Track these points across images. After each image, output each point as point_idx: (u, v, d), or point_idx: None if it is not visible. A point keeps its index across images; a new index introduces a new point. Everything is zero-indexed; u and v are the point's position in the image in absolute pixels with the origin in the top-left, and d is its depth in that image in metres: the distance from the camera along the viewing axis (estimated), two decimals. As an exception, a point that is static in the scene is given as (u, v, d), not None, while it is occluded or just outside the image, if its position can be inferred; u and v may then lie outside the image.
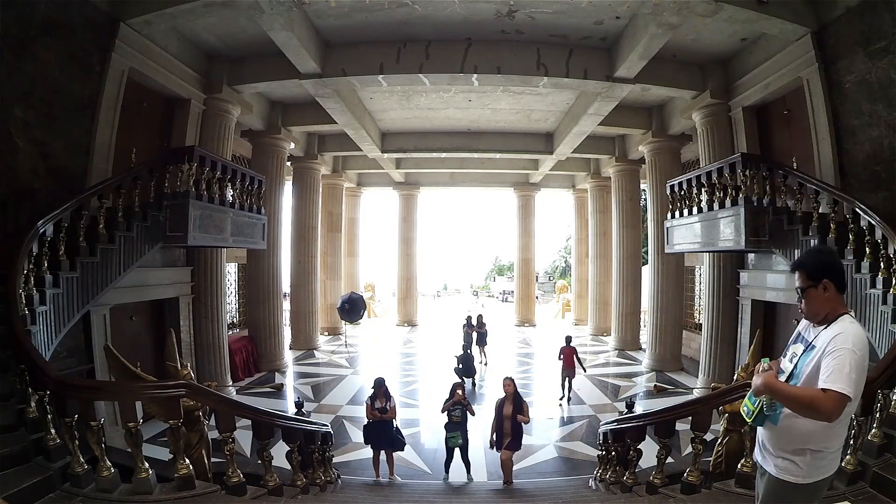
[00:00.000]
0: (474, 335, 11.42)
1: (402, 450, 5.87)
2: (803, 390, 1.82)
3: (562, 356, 8.60)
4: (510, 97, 9.91)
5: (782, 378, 1.98)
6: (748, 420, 2.04)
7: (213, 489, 3.24)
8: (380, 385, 5.71)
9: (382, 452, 5.70)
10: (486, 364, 11.27)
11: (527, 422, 5.50)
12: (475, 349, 10.90)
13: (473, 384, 9.31)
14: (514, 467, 5.51)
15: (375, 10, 6.57)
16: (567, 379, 8.55)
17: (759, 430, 2.08)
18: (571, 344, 8.75)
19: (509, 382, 5.50)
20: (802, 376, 1.90)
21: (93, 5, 5.72)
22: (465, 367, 9.10)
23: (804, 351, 1.97)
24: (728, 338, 8.01)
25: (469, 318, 11.76)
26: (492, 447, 5.51)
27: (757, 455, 2.13)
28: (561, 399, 8.52)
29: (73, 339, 5.21)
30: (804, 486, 1.91)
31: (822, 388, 1.76)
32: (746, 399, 2.05)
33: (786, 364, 2.04)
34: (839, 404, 1.73)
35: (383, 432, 5.61)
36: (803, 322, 2.12)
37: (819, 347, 1.89)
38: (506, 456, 5.31)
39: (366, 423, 5.71)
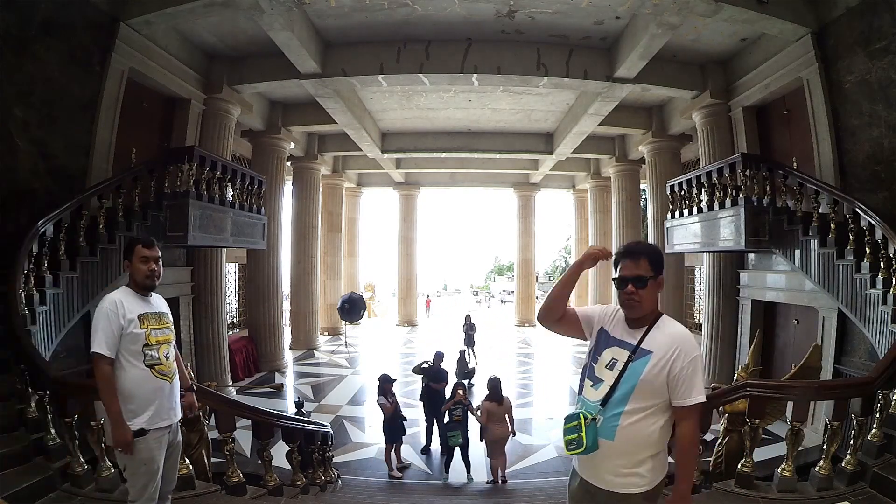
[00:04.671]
0: (464, 336, 11.53)
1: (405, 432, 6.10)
2: (686, 454, 1.74)
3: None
4: (510, 97, 9.90)
5: (600, 388, 1.77)
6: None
7: (213, 489, 3.24)
8: (386, 381, 5.88)
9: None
10: (475, 364, 11.30)
11: (514, 435, 5.65)
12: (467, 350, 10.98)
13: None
14: (515, 466, 5.55)
15: (375, 10, 6.57)
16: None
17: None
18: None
19: (495, 383, 5.55)
20: (638, 385, 1.71)
21: (93, 5, 5.71)
22: (459, 368, 9.12)
23: (633, 356, 1.75)
24: (728, 338, 8.00)
25: (468, 317, 11.83)
26: (481, 440, 5.60)
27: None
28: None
29: (73, 339, 5.20)
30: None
31: (683, 406, 1.69)
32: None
33: (602, 372, 1.80)
34: (700, 415, 1.79)
35: (398, 425, 5.80)
36: (607, 322, 1.89)
37: (660, 353, 1.72)
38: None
39: (383, 421, 5.83)
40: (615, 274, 1.83)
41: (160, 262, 2.48)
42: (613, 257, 1.87)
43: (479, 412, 5.48)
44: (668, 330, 1.77)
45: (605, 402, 1.75)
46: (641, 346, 1.76)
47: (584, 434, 1.73)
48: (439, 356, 6.76)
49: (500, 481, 5.41)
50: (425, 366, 6.57)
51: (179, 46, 7.28)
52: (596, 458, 1.76)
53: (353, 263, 18.10)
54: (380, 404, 5.81)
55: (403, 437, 6.02)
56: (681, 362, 1.69)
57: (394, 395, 5.91)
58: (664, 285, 1.89)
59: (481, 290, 36.51)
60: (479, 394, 8.63)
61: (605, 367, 1.79)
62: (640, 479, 1.72)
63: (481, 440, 5.59)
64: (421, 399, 6.56)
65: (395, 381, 6.03)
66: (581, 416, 1.76)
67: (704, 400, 1.73)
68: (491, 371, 7.12)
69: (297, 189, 12.77)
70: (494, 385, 5.50)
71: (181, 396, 2.54)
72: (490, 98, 10.00)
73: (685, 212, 7.66)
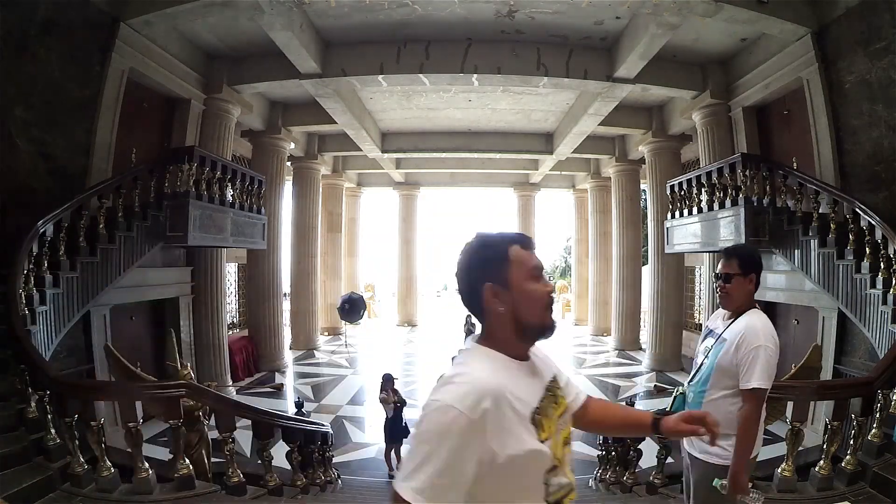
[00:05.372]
0: (464, 336, 11.52)
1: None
2: (740, 435, 1.90)
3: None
4: (510, 97, 9.90)
5: (694, 372, 2.13)
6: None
7: (213, 489, 3.24)
8: (388, 379, 5.91)
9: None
10: None
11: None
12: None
13: None
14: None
15: (375, 10, 6.56)
16: None
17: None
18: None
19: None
20: (714, 368, 2.01)
21: (93, 5, 5.71)
22: None
23: (714, 344, 2.07)
24: (728, 338, 8.00)
25: (468, 317, 11.84)
26: None
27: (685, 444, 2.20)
28: None
29: (73, 339, 5.20)
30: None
31: (742, 389, 1.90)
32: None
33: (699, 360, 2.14)
34: (760, 400, 1.90)
35: (399, 424, 5.81)
36: (713, 319, 2.22)
37: (730, 340, 1.98)
38: None
39: (385, 421, 5.85)
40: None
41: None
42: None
43: None
44: (744, 321, 1.99)
45: (691, 380, 2.12)
46: (723, 334, 2.04)
47: (671, 403, 2.13)
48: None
49: None
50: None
51: (179, 46, 7.28)
52: None
53: (353, 263, 18.08)
54: (381, 399, 5.84)
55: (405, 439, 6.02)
56: (743, 349, 1.91)
57: (397, 392, 5.92)
58: (754, 283, 2.07)
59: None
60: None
61: (702, 355, 2.12)
62: (721, 451, 1.91)
63: None
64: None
65: (397, 379, 6.03)
66: (676, 389, 2.18)
67: (760, 387, 1.86)
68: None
69: (297, 189, 12.77)
70: None
71: None
72: (490, 98, 9.99)
73: (685, 212, 7.66)
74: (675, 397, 2.16)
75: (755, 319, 1.98)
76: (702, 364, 2.07)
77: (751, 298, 2.06)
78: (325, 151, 13.07)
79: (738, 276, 2.02)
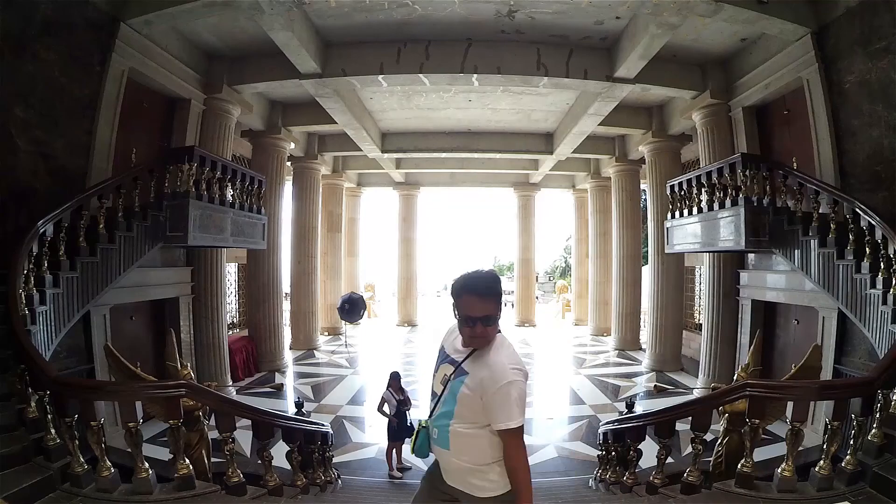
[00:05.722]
0: None
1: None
2: (516, 479, 1.75)
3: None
4: (510, 97, 9.90)
5: (434, 404, 1.92)
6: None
7: (213, 489, 3.24)
8: (395, 378, 5.91)
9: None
10: None
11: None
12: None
13: None
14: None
15: (375, 10, 6.56)
16: None
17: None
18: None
19: None
20: (456, 403, 1.80)
21: (93, 5, 5.71)
22: None
23: (454, 374, 1.84)
24: (728, 338, 8.01)
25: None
26: None
27: None
28: None
29: (73, 339, 5.21)
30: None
31: (497, 430, 1.72)
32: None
33: (437, 386, 1.93)
34: (521, 438, 1.75)
35: (404, 423, 5.81)
36: (447, 336, 2.01)
37: (471, 375, 1.79)
38: None
39: (388, 420, 5.82)
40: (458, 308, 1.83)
41: None
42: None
43: None
44: (487, 356, 1.81)
45: (431, 413, 1.93)
46: (462, 364, 1.84)
47: (413, 440, 1.96)
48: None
49: None
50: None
51: (179, 46, 7.28)
52: (444, 464, 1.92)
53: (353, 263, 18.08)
54: (384, 398, 5.84)
55: (407, 439, 6.02)
56: (490, 389, 1.73)
57: (403, 391, 5.93)
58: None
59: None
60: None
61: (440, 382, 1.92)
62: (491, 483, 1.80)
63: None
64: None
65: (399, 379, 6.01)
66: (419, 423, 1.99)
67: (518, 426, 1.72)
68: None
69: (297, 189, 12.77)
70: None
71: None
72: (490, 98, 9.99)
73: (685, 212, 7.66)
74: (417, 432, 1.96)
75: (497, 354, 1.80)
76: (441, 396, 1.87)
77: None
78: (325, 151, 13.07)
79: (495, 317, 1.81)
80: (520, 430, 1.74)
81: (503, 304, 1.87)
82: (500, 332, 1.87)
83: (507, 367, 1.75)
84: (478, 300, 1.77)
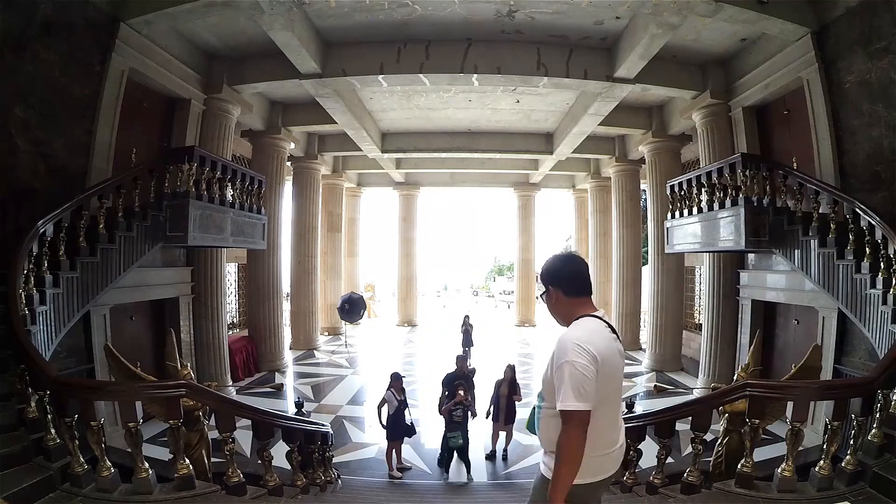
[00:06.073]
0: (462, 336, 11.53)
1: (415, 433, 6.15)
2: (557, 458, 1.73)
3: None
4: (510, 97, 9.90)
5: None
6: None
7: (213, 489, 3.24)
8: (396, 378, 5.93)
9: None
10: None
11: (520, 400, 6.30)
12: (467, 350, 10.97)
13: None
14: (516, 466, 5.64)
15: (375, 10, 6.57)
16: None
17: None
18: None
19: (509, 369, 6.31)
20: (543, 383, 1.90)
21: (93, 5, 5.72)
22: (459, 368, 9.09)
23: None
24: (728, 338, 8.01)
25: (466, 317, 11.84)
26: (487, 417, 6.28)
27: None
28: None
29: (73, 339, 5.21)
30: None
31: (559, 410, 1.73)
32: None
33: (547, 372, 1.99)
34: (572, 423, 1.69)
35: (403, 423, 5.83)
36: None
37: (551, 354, 1.83)
38: (497, 428, 6.20)
39: (388, 416, 5.84)
40: None
41: None
42: None
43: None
44: (559, 338, 1.86)
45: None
46: None
47: (529, 417, 2.15)
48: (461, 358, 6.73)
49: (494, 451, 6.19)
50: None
51: (179, 46, 7.28)
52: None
53: (353, 263, 18.09)
54: (385, 398, 5.85)
55: (407, 438, 6.00)
56: (555, 366, 1.77)
57: (403, 391, 5.93)
58: (557, 298, 1.96)
59: (481, 289, 36.52)
60: (480, 395, 8.62)
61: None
62: (547, 466, 1.85)
63: (494, 419, 6.15)
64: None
65: (401, 379, 6.01)
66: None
67: (566, 409, 1.68)
68: (490, 371, 7.15)
69: (297, 189, 12.77)
70: (512, 368, 6.40)
71: None
72: (490, 98, 10.00)
73: (685, 212, 7.66)
74: (532, 409, 2.07)
75: (565, 334, 1.82)
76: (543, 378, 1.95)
77: (567, 309, 1.93)
78: (325, 151, 13.08)
79: (544, 293, 2.00)
80: (571, 415, 1.68)
81: (549, 285, 1.98)
82: (582, 317, 1.88)
83: (569, 346, 1.74)
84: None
